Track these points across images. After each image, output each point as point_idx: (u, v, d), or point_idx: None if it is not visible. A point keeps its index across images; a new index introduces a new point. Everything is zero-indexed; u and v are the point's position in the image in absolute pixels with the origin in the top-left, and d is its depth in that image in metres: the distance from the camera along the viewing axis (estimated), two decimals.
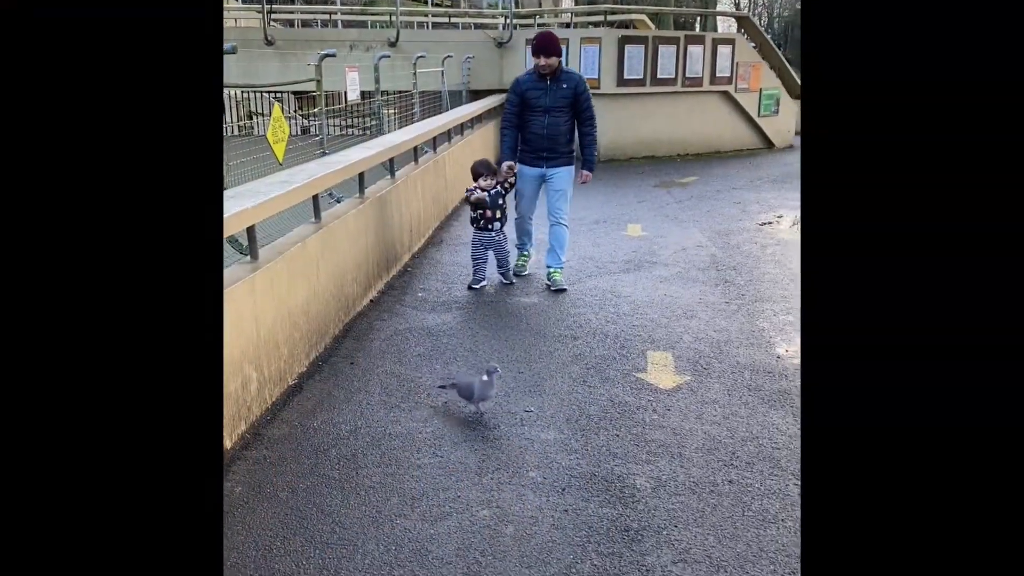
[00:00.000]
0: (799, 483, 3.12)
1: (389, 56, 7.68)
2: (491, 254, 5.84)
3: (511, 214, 6.01)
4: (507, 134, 5.71)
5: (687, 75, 13.52)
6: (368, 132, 7.84)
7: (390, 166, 6.36)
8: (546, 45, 5.42)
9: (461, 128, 9.70)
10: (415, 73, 8.98)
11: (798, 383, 4.09)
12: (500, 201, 5.72)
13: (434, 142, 8.08)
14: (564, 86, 5.49)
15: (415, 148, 7.19)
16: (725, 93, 14.11)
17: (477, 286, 5.77)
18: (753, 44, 15.13)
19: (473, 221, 5.78)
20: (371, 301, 5.46)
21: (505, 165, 5.70)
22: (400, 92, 9.21)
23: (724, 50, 13.87)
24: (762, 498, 3.03)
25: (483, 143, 11.26)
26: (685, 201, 9.52)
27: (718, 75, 13.88)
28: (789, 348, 4.61)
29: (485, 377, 3.64)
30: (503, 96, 13.23)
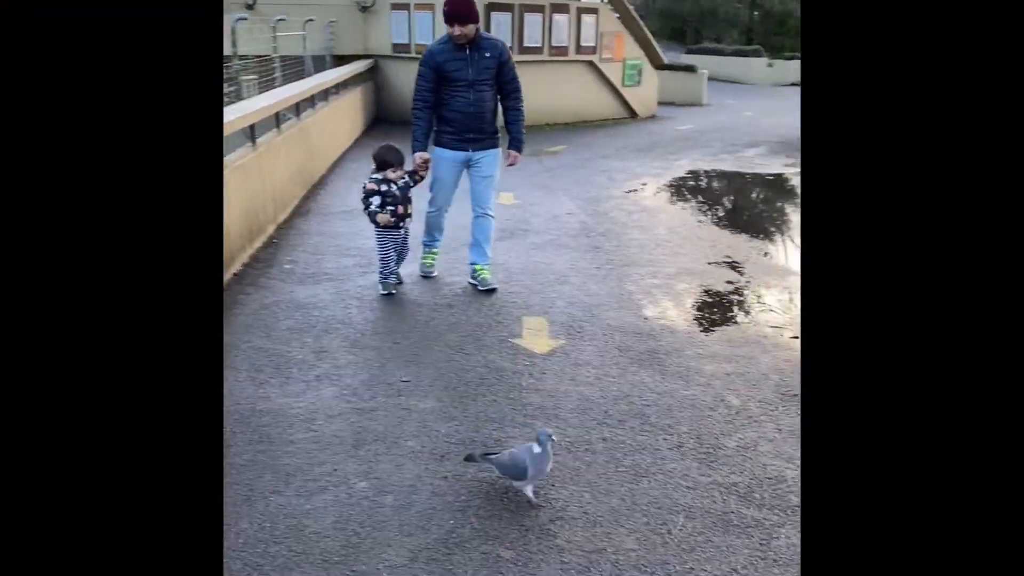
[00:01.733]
0: (668, 437, 3.25)
1: (246, 19, 7.33)
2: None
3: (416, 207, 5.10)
4: (422, 116, 4.76)
5: (553, 44, 13.63)
6: (226, 98, 7.47)
7: (251, 133, 6.10)
8: (460, 10, 4.56)
9: (326, 94, 9.42)
10: (275, 37, 8.62)
11: (666, 344, 4.24)
12: (408, 195, 4.90)
13: (297, 108, 7.81)
14: (487, 55, 4.69)
15: (277, 114, 6.92)
16: (590, 63, 14.34)
17: (387, 292, 4.93)
18: (616, 14, 15.41)
19: (372, 216, 4.83)
20: (234, 274, 5.24)
21: (419, 157, 4.80)
22: (259, 57, 8.82)
23: (588, 19, 14.06)
24: (633, 453, 3.13)
25: (350, 109, 10.99)
26: (555, 169, 9.64)
27: (583, 44, 14.07)
28: (656, 310, 4.77)
29: (537, 448, 2.78)
30: (369, 62, 13.00)
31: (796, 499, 2.84)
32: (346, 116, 10.69)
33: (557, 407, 3.51)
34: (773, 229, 7.13)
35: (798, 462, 3.07)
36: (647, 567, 2.49)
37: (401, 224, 4.87)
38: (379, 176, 4.77)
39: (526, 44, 13.33)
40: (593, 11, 14.38)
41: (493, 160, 4.96)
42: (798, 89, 22.98)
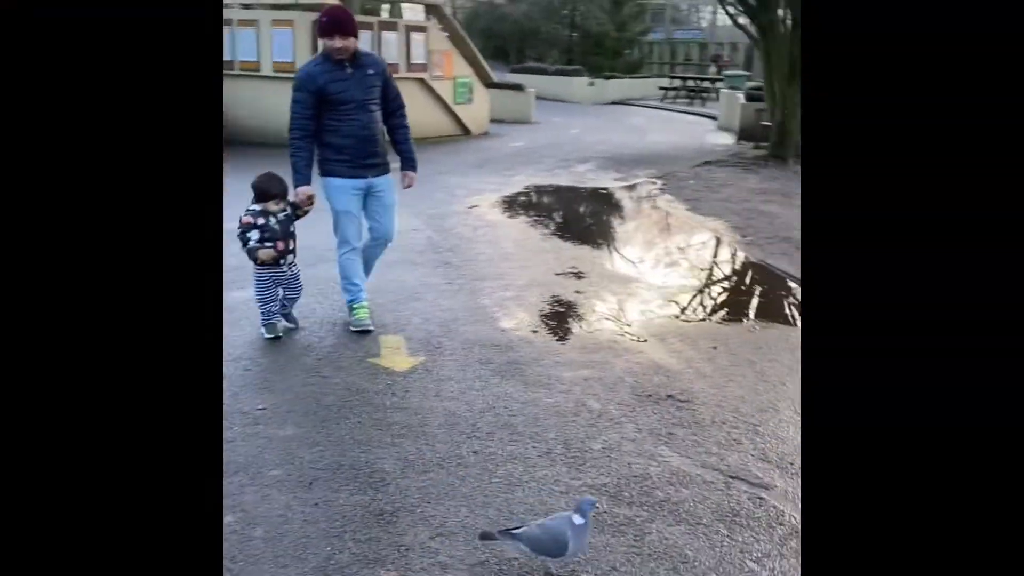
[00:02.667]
0: (536, 445, 3.32)
1: None
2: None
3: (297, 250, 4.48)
4: (302, 146, 4.20)
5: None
6: None
7: None
8: (342, 21, 4.12)
9: None
10: None
11: (525, 354, 4.33)
12: (292, 228, 4.38)
13: None
14: (371, 72, 4.27)
15: None
16: (421, 80, 14.38)
17: (272, 335, 4.41)
18: (445, 33, 15.57)
19: (251, 252, 4.28)
20: None
21: (303, 192, 4.25)
22: None
23: (418, 37, 14.12)
24: (505, 464, 3.17)
25: None
26: (394, 186, 9.58)
27: (413, 62, 14.09)
28: (511, 322, 4.86)
29: (579, 519, 2.40)
30: None
31: (662, 494, 2.97)
32: None
33: (424, 424, 3.49)
34: (611, 240, 7.45)
35: (660, 460, 3.23)
36: (530, 573, 2.52)
37: (283, 261, 4.34)
38: (257, 208, 4.24)
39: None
40: (422, 29, 14.45)
41: (392, 185, 4.58)
42: (617, 107, 24.20)
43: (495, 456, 3.23)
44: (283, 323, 4.52)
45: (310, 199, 4.29)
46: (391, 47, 13.62)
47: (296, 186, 4.24)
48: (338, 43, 4.11)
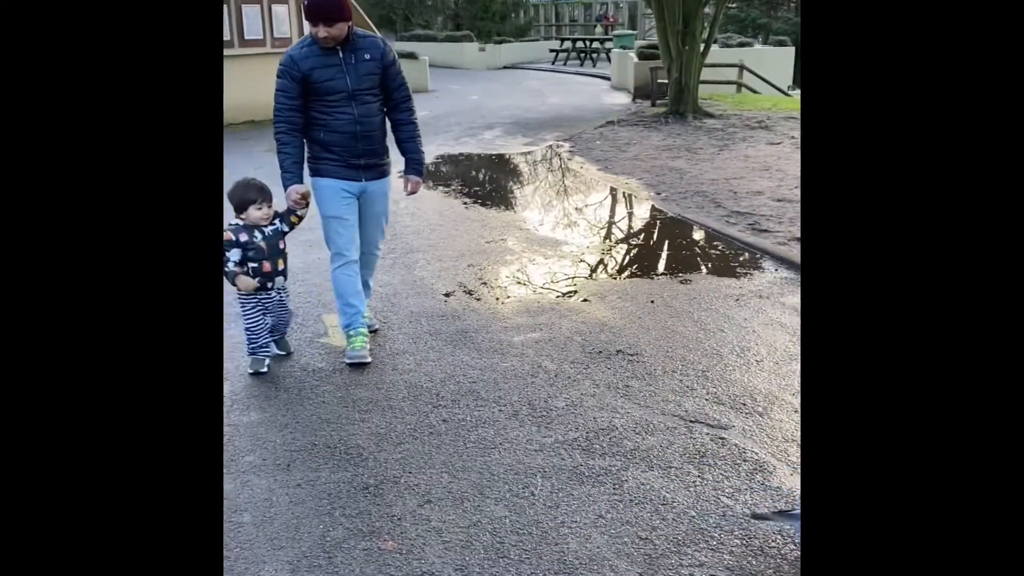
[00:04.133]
0: (503, 408, 3.42)
1: None
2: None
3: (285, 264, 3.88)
4: (290, 141, 3.66)
5: (276, 35, 13.19)
6: None
7: None
8: (326, 7, 3.51)
9: None
10: None
11: (473, 322, 4.40)
12: (282, 245, 3.81)
13: None
14: (367, 56, 3.69)
15: None
16: None
17: (264, 368, 3.81)
18: None
19: (230, 277, 3.66)
20: None
21: (294, 191, 3.67)
22: None
23: None
24: (476, 428, 3.26)
25: None
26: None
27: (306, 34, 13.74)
28: (453, 291, 4.91)
29: None
30: None
31: (631, 444, 3.13)
32: None
33: (388, 398, 3.54)
34: (532, 205, 7.56)
35: (622, 411, 3.38)
36: (523, 529, 2.63)
37: (271, 284, 3.77)
38: (238, 222, 3.66)
39: (247, 37, 12.78)
40: None
41: (385, 192, 4.04)
42: (511, 72, 24.24)
43: (465, 422, 3.31)
44: (273, 350, 3.98)
45: (304, 198, 3.71)
46: (282, 21, 13.24)
47: (286, 186, 3.69)
48: (322, 32, 3.56)
